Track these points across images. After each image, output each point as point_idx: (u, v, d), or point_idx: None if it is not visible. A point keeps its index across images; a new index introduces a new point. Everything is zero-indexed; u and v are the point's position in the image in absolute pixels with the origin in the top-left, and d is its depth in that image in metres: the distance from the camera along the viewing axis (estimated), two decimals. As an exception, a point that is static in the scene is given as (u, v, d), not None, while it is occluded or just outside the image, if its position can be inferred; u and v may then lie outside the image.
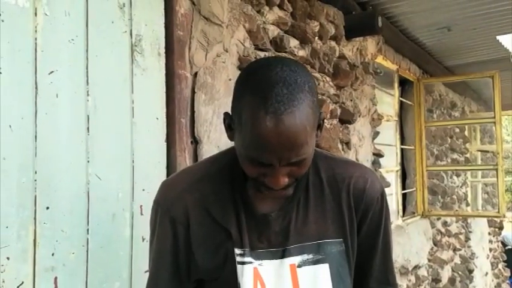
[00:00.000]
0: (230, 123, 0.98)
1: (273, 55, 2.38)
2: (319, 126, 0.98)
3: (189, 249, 1.05)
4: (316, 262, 1.02)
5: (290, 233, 1.02)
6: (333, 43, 3.14)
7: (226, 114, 1.00)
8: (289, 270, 1.01)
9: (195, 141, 1.93)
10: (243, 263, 1.00)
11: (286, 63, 0.91)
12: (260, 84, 0.88)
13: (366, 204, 1.06)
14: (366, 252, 1.10)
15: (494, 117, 4.75)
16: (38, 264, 1.36)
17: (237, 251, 1.01)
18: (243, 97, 0.91)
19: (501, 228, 8.50)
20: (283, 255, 1.01)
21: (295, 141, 0.86)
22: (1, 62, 1.30)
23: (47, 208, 1.39)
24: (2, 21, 1.30)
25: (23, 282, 1.33)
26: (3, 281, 1.28)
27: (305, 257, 1.02)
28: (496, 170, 4.79)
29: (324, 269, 1.02)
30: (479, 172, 7.74)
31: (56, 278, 1.41)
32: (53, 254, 1.40)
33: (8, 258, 1.29)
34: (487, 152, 8.07)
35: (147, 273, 1.67)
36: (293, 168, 0.92)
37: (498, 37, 4.43)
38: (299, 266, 1.01)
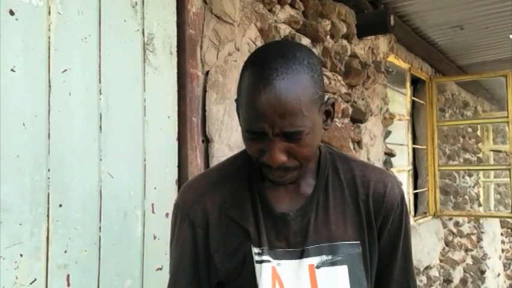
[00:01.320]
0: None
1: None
2: (329, 114, 0.99)
3: (208, 252, 1.05)
4: (334, 263, 1.01)
5: (309, 234, 1.01)
6: (345, 42, 3.13)
7: (236, 100, 1.02)
8: (308, 271, 1.00)
9: (207, 140, 1.94)
10: (261, 261, 0.99)
11: (288, 42, 0.94)
12: (258, 58, 0.92)
13: (386, 209, 1.06)
14: (387, 257, 1.09)
15: (507, 117, 4.71)
16: (50, 261, 1.37)
17: (255, 249, 1.00)
18: (243, 75, 0.93)
19: (514, 229, 8.43)
20: (301, 255, 1.01)
21: (286, 107, 0.86)
22: (15, 60, 1.31)
23: (60, 206, 1.40)
24: (16, 19, 1.32)
25: (35, 279, 1.34)
26: (17, 278, 1.29)
27: (324, 258, 1.01)
28: (509, 170, 4.75)
29: (342, 271, 1.01)
30: (492, 172, 7.68)
31: (68, 275, 1.42)
32: (65, 252, 1.41)
33: (21, 255, 1.30)
34: (500, 151, 8.01)
35: (159, 271, 1.68)
36: (291, 145, 0.91)
37: (511, 36, 4.39)
38: (318, 266, 1.00)
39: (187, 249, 1.06)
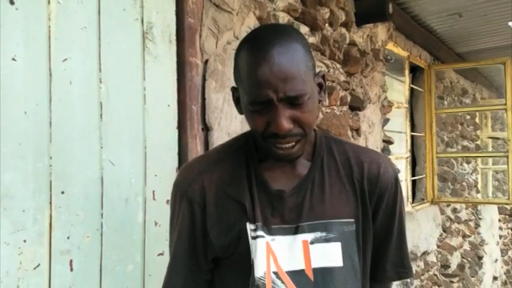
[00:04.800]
0: (237, 95, 1.04)
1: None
2: (321, 86, 1.04)
3: (205, 229, 1.08)
4: (328, 240, 1.04)
5: (303, 211, 1.04)
6: (344, 30, 3.14)
7: (233, 88, 1.07)
8: (302, 246, 1.03)
9: (206, 128, 1.95)
10: (255, 237, 1.02)
11: (277, 23, 0.98)
12: (252, 39, 0.99)
13: (380, 189, 1.09)
14: (381, 237, 1.12)
15: (506, 104, 4.73)
16: (53, 247, 1.40)
17: (250, 226, 1.03)
18: (238, 56, 0.99)
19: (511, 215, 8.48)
20: (296, 231, 1.04)
21: (288, 71, 0.92)
22: (16, 49, 1.32)
23: (62, 193, 1.43)
24: (16, 9, 1.33)
25: (39, 264, 1.37)
26: (21, 263, 1.32)
27: (318, 234, 1.04)
28: (507, 157, 4.78)
29: (335, 247, 1.04)
30: (490, 159, 7.71)
31: (71, 261, 1.44)
32: (68, 238, 1.44)
33: (24, 241, 1.33)
34: (498, 138, 8.03)
35: (160, 256, 1.71)
36: (295, 112, 0.95)
37: (510, 23, 4.39)
38: (312, 242, 1.03)
39: (185, 226, 1.10)
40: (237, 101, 1.07)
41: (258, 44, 0.95)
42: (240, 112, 1.06)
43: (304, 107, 0.96)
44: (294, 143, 0.99)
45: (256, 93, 0.94)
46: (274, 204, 1.05)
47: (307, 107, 0.96)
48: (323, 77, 1.05)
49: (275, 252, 1.02)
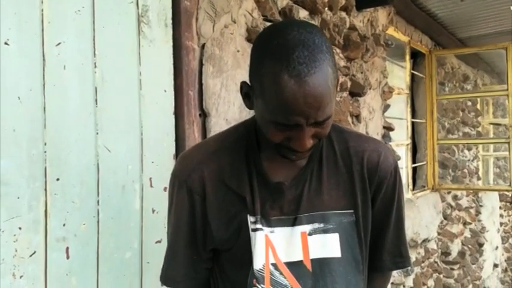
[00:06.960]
0: (248, 91, 0.99)
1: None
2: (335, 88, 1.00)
3: (205, 219, 1.07)
4: (326, 231, 1.04)
5: (302, 202, 1.04)
6: (344, 14, 3.09)
7: (243, 83, 1.01)
8: (300, 237, 1.03)
9: (204, 114, 1.93)
10: (255, 229, 1.02)
11: (302, 25, 0.92)
12: (279, 49, 0.88)
13: (379, 177, 1.08)
14: (379, 225, 1.11)
15: (507, 90, 4.69)
16: (49, 234, 1.38)
17: (250, 218, 1.03)
18: (262, 64, 0.91)
19: (512, 202, 8.48)
20: (294, 223, 1.03)
21: (322, 100, 0.87)
22: (8, 33, 1.30)
23: (58, 180, 1.41)
24: (8, -8, 1.30)
25: (35, 252, 1.35)
26: (16, 250, 1.30)
27: (315, 225, 1.03)
28: (508, 143, 4.75)
29: (334, 238, 1.04)
30: (491, 146, 7.69)
31: (67, 248, 1.43)
32: (64, 225, 1.42)
33: (20, 228, 1.31)
34: (499, 125, 8.00)
35: (158, 244, 1.70)
36: (317, 129, 0.93)
37: (512, 7, 4.35)
38: (310, 234, 1.03)
39: (184, 216, 1.08)
40: (245, 95, 1.01)
41: (289, 64, 0.86)
42: (249, 107, 1.02)
43: (327, 124, 0.94)
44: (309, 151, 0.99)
45: (285, 117, 0.89)
46: (274, 197, 1.04)
47: (328, 123, 0.94)
48: (337, 79, 1.00)
49: (274, 244, 1.02)
